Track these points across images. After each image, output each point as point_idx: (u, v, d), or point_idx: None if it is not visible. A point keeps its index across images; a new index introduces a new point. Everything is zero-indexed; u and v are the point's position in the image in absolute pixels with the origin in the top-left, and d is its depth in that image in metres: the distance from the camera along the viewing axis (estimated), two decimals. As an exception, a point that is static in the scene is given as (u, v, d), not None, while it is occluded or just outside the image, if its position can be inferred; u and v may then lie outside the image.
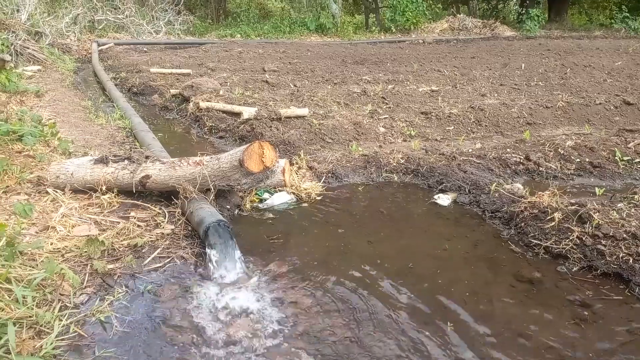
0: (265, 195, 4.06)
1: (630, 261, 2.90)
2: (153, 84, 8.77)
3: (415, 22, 19.55)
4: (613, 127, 6.03)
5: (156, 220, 3.36)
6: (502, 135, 5.85)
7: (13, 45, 10.01)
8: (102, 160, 3.60)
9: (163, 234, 3.22)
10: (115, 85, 8.96)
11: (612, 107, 6.62)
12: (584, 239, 3.14)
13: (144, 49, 14.46)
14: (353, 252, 3.25)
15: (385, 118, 6.21)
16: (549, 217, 3.39)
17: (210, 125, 6.22)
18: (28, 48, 10.56)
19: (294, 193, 4.10)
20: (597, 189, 3.90)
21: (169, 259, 2.99)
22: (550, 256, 3.17)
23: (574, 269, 3.02)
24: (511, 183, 4.27)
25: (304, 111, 6.06)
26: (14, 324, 2.15)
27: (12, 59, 9.19)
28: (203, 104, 6.71)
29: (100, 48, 13.77)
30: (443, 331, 2.46)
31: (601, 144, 5.05)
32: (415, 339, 2.40)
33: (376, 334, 2.43)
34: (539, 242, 3.27)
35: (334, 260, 3.14)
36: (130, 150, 3.96)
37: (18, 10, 12.46)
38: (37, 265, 2.66)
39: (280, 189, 4.04)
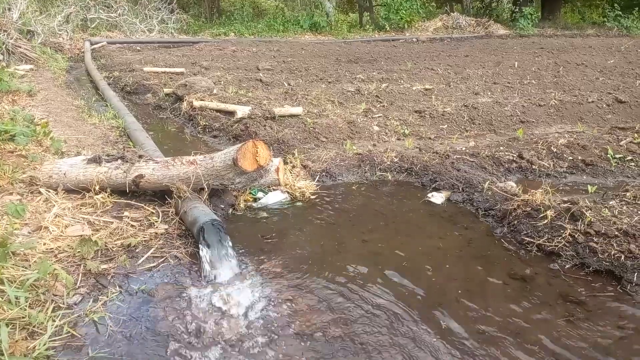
0: (259, 194, 4.06)
1: (622, 258, 2.92)
2: (146, 83, 8.74)
3: (409, 20, 19.57)
4: (605, 125, 6.07)
5: (150, 220, 3.35)
6: (495, 134, 5.88)
7: (5, 44, 9.93)
8: (95, 160, 3.58)
9: (157, 233, 3.21)
10: (109, 84, 8.91)
11: (604, 105, 6.66)
12: (576, 236, 3.16)
13: (137, 48, 14.38)
14: (347, 251, 3.26)
15: (379, 117, 6.22)
16: (541, 215, 3.41)
17: (204, 124, 6.20)
18: (20, 47, 10.48)
19: (288, 192, 4.11)
20: (589, 187, 3.93)
21: (163, 259, 2.98)
22: (542, 253, 3.19)
23: (567, 266, 3.04)
24: (504, 181, 4.29)
25: (298, 110, 6.06)
26: (7, 325, 2.14)
27: (3, 58, 9.15)
28: (197, 103, 6.69)
29: (93, 47, 13.68)
30: (437, 329, 2.47)
31: (593, 142, 5.09)
32: (409, 336, 2.41)
33: (370, 333, 2.44)
34: (531, 240, 3.29)
35: (329, 259, 3.14)
36: (124, 150, 3.94)
37: (9, 9, 12.36)
38: (30, 265, 2.64)
39: (274, 188, 4.04)
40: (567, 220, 3.29)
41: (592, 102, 6.73)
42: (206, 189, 3.43)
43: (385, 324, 2.50)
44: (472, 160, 4.74)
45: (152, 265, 2.91)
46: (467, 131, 5.93)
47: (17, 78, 8.23)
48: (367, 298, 2.72)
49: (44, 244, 2.90)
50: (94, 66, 10.86)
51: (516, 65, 9.96)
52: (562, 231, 3.23)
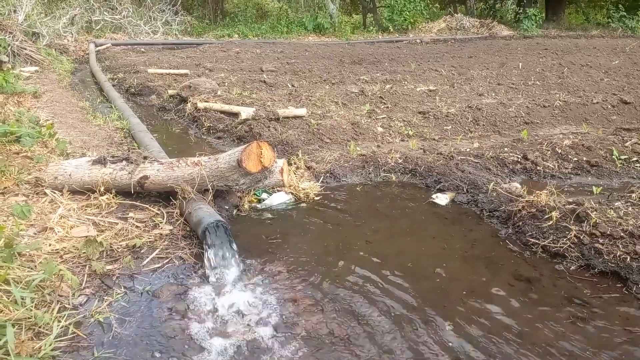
0: (264, 195, 4.06)
1: (628, 259, 2.91)
2: (151, 85, 8.76)
3: (412, 21, 19.57)
4: (610, 126, 6.05)
5: (154, 221, 3.36)
6: (499, 135, 5.87)
7: (10, 46, 9.97)
8: (100, 161, 3.60)
9: (161, 234, 3.22)
10: (113, 85, 8.94)
11: (609, 106, 6.64)
12: (581, 237, 3.15)
13: (142, 50, 14.44)
14: (351, 252, 3.26)
15: (383, 118, 6.22)
16: (546, 216, 3.40)
17: (208, 126, 6.22)
18: (25, 49, 10.52)
19: (292, 193, 4.11)
20: (594, 188, 3.92)
21: (168, 260, 2.99)
22: (548, 255, 3.18)
23: (572, 267, 3.03)
24: (509, 182, 4.28)
25: (302, 111, 6.06)
26: (13, 326, 2.14)
27: (9, 60, 9.18)
28: (201, 105, 6.71)
29: (97, 49, 13.73)
30: (442, 330, 2.47)
31: (598, 143, 5.07)
32: (414, 338, 2.41)
33: (375, 334, 2.44)
34: (536, 241, 3.28)
35: (333, 260, 3.14)
36: (128, 151, 3.96)
37: (15, 11, 12.41)
38: (35, 266, 2.65)
39: (278, 189, 4.04)
40: (572, 222, 3.27)
41: (597, 103, 6.71)
42: (211, 190, 3.44)
43: (389, 325, 2.50)
44: (476, 161, 4.73)
45: (157, 266, 2.92)
46: (471, 132, 5.92)
47: (22, 80, 8.27)
48: (371, 299, 2.72)
49: (50, 245, 2.92)
50: (99, 68, 10.91)
51: (520, 66, 9.94)
52: (567, 232, 3.22)
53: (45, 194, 3.56)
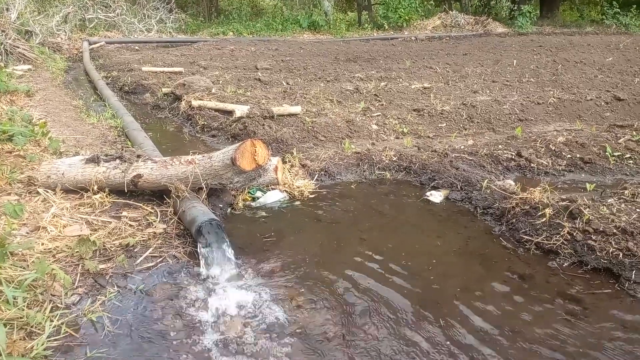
0: (258, 193, 4.06)
1: (620, 256, 2.93)
2: (145, 83, 8.73)
3: (407, 19, 19.57)
4: (604, 123, 6.07)
5: (148, 220, 3.35)
6: (493, 132, 5.88)
7: (3, 45, 9.91)
8: (94, 160, 3.58)
9: (155, 233, 3.21)
10: (107, 84, 8.90)
11: (603, 103, 6.66)
12: (574, 234, 3.17)
13: (136, 48, 14.38)
14: (346, 250, 3.26)
15: (377, 115, 6.22)
16: (540, 213, 3.41)
17: (203, 124, 6.20)
18: (18, 47, 10.46)
19: (286, 191, 4.10)
20: (587, 185, 3.93)
21: (161, 259, 2.98)
22: (541, 252, 3.19)
23: (565, 264, 3.04)
24: (503, 179, 4.29)
25: (296, 109, 6.06)
26: (5, 325, 2.13)
27: (1, 59, 9.14)
28: (195, 103, 6.69)
29: (91, 47, 13.67)
30: (436, 327, 2.47)
31: (592, 140, 5.08)
32: (408, 335, 2.41)
33: (369, 331, 2.44)
34: (530, 238, 3.29)
35: (327, 258, 3.14)
36: (122, 150, 3.94)
37: (7, 9, 12.33)
38: (28, 265, 2.64)
39: (272, 187, 4.03)
40: (565, 218, 3.29)
41: (591, 100, 6.73)
42: (205, 189, 3.43)
43: (383, 323, 2.50)
44: (470, 158, 4.74)
45: (150, 264, 2.91)
46: (465, 130, 5.93)
47: (15, 78, 8.22)
48: (365, 296, 2.72)
49: (42, 244, 2.90)
50: (93, 66, 10.85)
51: (515, 64, 9.95)
52: (560, 229, 3.23)
53: (38, 193, 3.55)
